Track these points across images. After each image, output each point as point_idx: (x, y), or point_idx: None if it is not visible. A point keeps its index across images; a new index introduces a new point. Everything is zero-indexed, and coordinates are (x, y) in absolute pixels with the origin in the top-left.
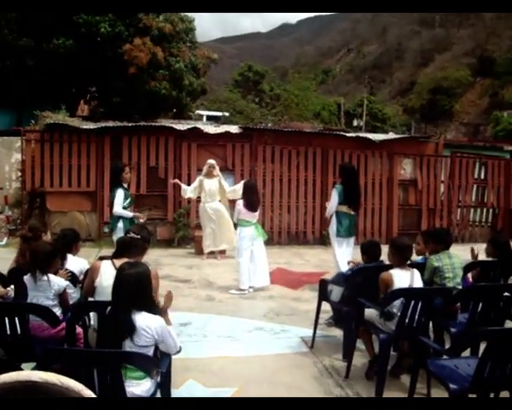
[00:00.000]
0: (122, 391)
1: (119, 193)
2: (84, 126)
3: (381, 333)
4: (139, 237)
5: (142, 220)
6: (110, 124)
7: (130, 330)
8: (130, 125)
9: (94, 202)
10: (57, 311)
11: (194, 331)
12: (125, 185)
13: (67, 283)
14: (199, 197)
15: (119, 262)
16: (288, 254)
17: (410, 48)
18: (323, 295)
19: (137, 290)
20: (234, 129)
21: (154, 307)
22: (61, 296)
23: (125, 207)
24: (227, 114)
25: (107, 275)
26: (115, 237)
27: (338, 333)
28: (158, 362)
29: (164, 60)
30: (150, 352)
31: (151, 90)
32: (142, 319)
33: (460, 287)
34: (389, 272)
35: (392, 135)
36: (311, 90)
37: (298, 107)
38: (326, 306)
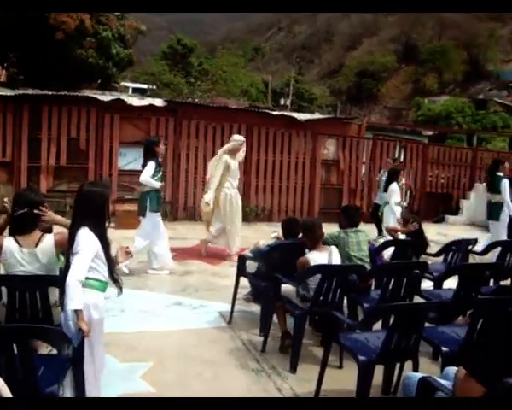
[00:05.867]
0: (31, 367)
1: (151, 164)
2: (0, 93)
3: (297, 309)
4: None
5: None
6: (29, 92)
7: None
8: (50, 93)
9: (10, 173)
10: None
11: (112, 306)
12: (160, 159)
13: None
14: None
15: (23, 239)
16: None
17: (339, 30)
18: (242, 271)
19: (91, 207)
20: (159, 102)
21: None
22: None
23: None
24: (154, 87)
25: (8, 252)
26: (144, 218)
27: (256, 308)
28: (68, 337)
29: (91, 28)
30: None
31: (77, 57)
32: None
33: (367, 260)
34: (306, 256)
35: (317, 115)
36: (240, 66)
37: (226, 83)
38: (244, 281)
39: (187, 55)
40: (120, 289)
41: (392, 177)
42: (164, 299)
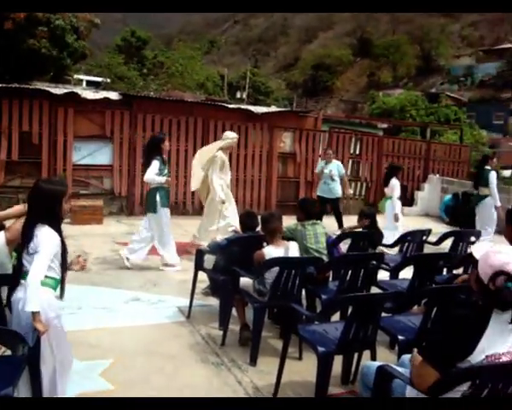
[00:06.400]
0: None
1: (155, 163)
2: None
3: (256, 302)
4: None
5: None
6: None
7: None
8: (0, 86)
9: None
10: None
11: (69, 303)
12: (164, 156)
13: None
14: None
15: None
16: None
17: (295, 24)
18: (200, 265)
19: (46, 205)
20: (113, 95)
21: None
22: None
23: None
24: (108, 80)
25: None
26: (155, 213)
27: (214, 302)
28: (23, 337)
29: (43, 16)
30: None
31: (29, 48)
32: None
33: (324, 252)
34: (262, 250)
35: (273, 108)
36: (196, 59)
37: (182, 76)
38: (203, 275)
39: (142, 47)
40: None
41: (393, 172)
42: (122, 295)
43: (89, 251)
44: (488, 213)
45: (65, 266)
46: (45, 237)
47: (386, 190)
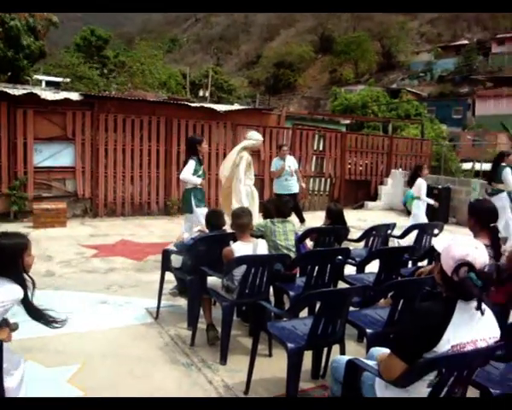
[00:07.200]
0: None
1: (191, 163)
2: None
3: (224, 301)
4: None
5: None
6: None
7: None
8: None
9: None
10: None
11: None
12: (201, 157)
13: None
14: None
15: None
16: (132, 226)
17: (256, 21)
18: (167, 265)
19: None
20: (74, 96)
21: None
22: None
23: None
24: (68, 80)
25: None
26: (191, 214)
27: (182, 302)
28: None
29: None
30: None
31: None
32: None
33: (293, 249)
34: (231, 247)
35: (236, 106)
36: (158, 58)
37: (143, 75)
38: (170, 276)
39: (102, 46)
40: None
41: (417, 172)
42: (88, 298)
43: (53, 255)
44: (503, 207)
45: (31, 307)
46: (4, 293)
47: (412, 189)
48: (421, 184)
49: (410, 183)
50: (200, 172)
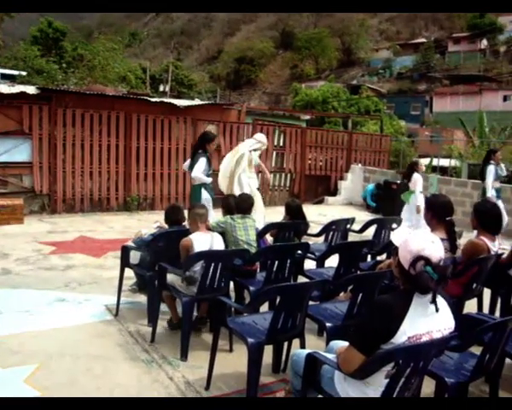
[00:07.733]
0: None
1: (203, 160)
2: None
3: (184, 296)
4: None
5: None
6: None
7: None
8: None
9: None
10: None
11: None
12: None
13: None
14: None
15: None
16: (91, 222)
17: (218, 16)
18: (126, 262)
19: None
20: (31, 89)
21: None
22: None
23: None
24: (24, 73)
25: None
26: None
27: (142, 299)
28: None
29: None
30: None
31: None
32: None
33: (254, 244)
34: (189, 237)
35: (197, 101)
36: (118, 52)
37: (103, 69)
38: (130, 272)
39: (60, 39)
40: None
41: (413, 167)
42: (45, 296)
43: (9, 252)
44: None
45: None
46: None
47: (410, 184)
48: (417, 180)
49: (407, 178)
50: (210, 172)
